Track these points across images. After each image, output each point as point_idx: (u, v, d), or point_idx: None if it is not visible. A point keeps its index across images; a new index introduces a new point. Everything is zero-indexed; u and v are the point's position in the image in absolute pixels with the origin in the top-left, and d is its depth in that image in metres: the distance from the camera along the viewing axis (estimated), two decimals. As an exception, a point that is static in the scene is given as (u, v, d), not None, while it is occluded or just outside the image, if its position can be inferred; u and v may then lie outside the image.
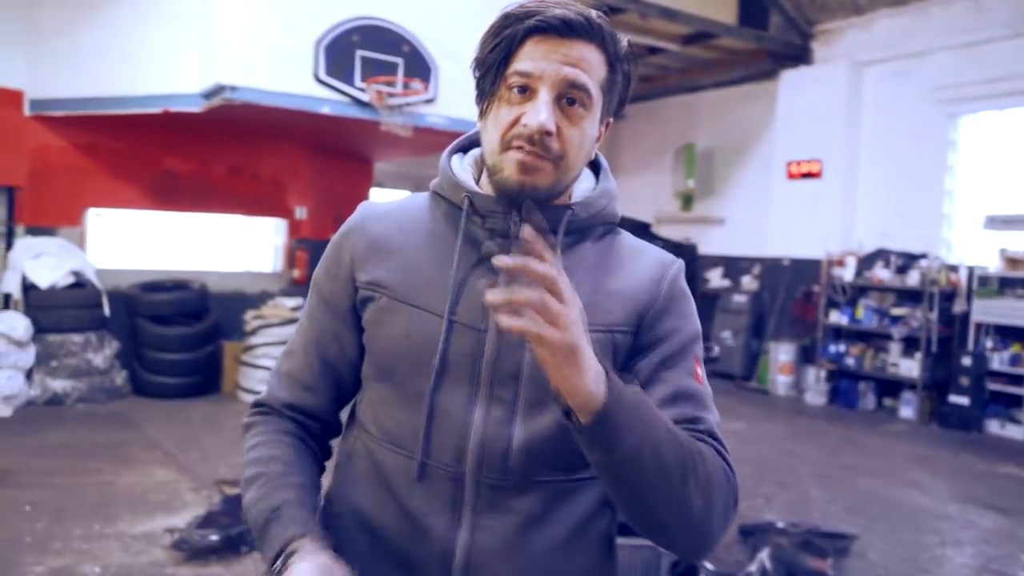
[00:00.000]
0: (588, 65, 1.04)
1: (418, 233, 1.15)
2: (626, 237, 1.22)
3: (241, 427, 1.24)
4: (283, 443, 1.18)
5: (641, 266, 1.16)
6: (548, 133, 1.02)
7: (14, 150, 7.27)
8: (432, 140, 7.03)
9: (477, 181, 1.16)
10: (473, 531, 1.07)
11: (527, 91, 1.04)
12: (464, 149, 1.22)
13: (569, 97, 1.04)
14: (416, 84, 6.67)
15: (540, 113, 1.02)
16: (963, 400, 7.76)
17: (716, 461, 1.03)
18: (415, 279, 1.11)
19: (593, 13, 1.06)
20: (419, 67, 6.77)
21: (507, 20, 1.06)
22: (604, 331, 1.10)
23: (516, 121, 1.04)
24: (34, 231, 7.40)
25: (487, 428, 1.07)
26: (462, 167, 1.18)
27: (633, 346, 1.13)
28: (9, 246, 7.34)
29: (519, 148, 1.04)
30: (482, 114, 1.11)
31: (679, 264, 1.19)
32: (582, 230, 1.14)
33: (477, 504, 1.08)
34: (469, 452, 1.07)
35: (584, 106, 1.05)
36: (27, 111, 7.28)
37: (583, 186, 1.18)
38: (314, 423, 1.23)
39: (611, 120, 1.14)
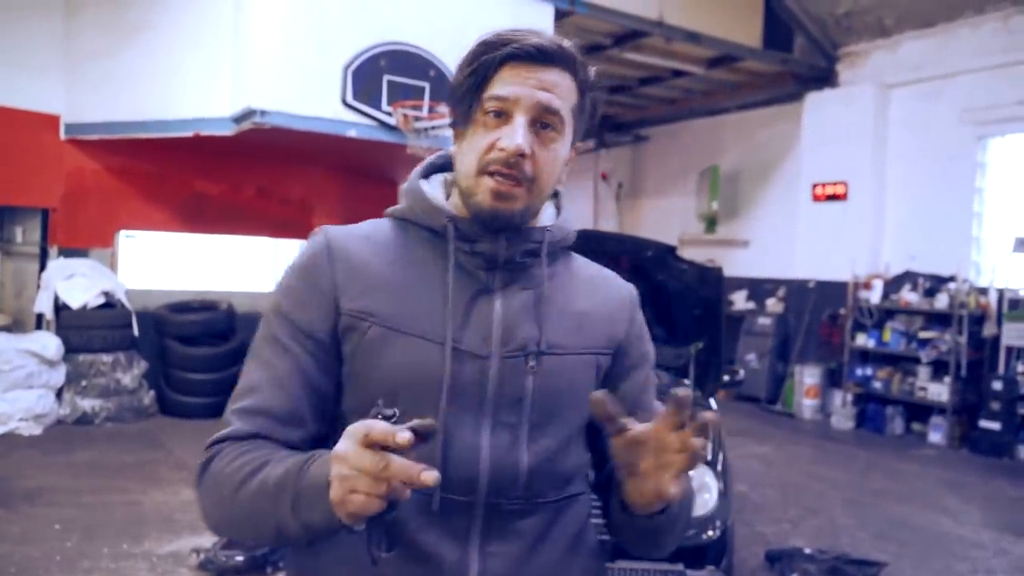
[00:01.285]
0: (561, 91, 1.08)
1: (397, 259, 1.12)
2: (579, 258, 1.26)
3: (197, 469, 1.05)
4: (269, 450, 1.03)
5: (610, 290, 1.23)
6: (523, 155, 1.05)
7: (50, 173, 7.43)
8: (457, 163, 7.07)
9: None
10: (483, 558, 1.07)
11: (503, 115, 1.07)
12: (426, 175, 1.22)
13: (543, 122, 1.08)
14: (442, 108, 6.74)
15: (516, 136, 1.05)
16: (994, 425, 7.62)
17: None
18: (406, 307, 1.08)
19: (566, 42, 1.10)
20: (445, 91, 6.84)
21: (484, 47, 1.10)
22: (591, 354, 1.16)
23: (492, 146, 1.06)
24: (67, 252, 7.54)
25: (495, 454, 1.07)
26: (435, 191, 1.18)
27: (612, 368, 1.20)
28: (43, 267, 7.48)
29: (493, 174, 1.06)
30: (457, 137, 1.14)
31: (635, 288, 1.29)
32: (552, 253, 1.17)
33: (486, 530, 1.07)
34: (481, 479, 1.06)
35: (557, 130, 1.09)
36: (63, 135, 7.45)
37: (547, 212, 1.20)
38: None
39: (579, 144, 1.18)
